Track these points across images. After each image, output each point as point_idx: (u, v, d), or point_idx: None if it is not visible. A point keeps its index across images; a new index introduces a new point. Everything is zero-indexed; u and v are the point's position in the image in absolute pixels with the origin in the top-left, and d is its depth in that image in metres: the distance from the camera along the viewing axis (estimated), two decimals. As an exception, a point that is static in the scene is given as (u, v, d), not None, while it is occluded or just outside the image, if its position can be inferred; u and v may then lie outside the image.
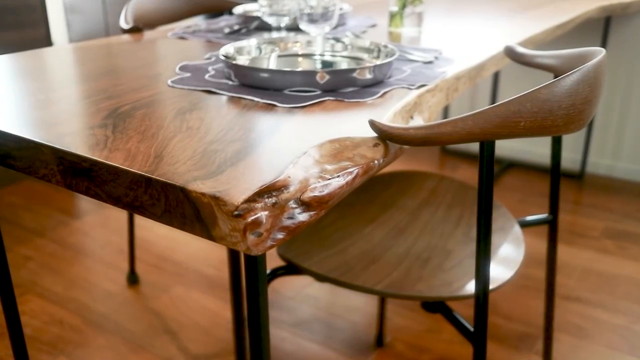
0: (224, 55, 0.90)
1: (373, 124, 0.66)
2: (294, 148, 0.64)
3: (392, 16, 1.31)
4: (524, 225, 1.06)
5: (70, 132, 0.68)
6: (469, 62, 1.04)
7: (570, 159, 2.44)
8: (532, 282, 1.69)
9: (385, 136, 0.66)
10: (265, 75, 0.83)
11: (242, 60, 0.90)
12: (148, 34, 1.31)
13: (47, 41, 2.31)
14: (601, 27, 2.27)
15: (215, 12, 1.91)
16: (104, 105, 0.78)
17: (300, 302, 1.61)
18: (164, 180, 0.55)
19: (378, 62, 0.98)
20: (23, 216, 2.08)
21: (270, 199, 0.54)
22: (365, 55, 1.02)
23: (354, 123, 0.73)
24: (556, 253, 1.11)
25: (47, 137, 0.66)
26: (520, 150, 2.52)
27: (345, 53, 1.04)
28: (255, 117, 0.74)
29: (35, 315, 1.54)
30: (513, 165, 2.49)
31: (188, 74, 0.93)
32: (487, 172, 0.70)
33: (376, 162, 0.66)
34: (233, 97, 0.82)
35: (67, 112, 0.75)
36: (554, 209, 1.08)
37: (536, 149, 2.50)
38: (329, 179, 0.59)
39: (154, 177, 0.56)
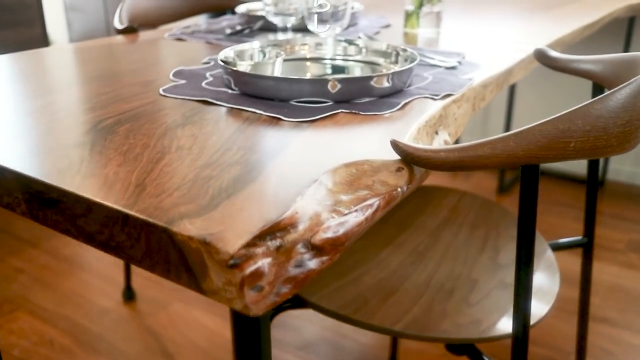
0: (222, 61, 0.80)
1: (396, 146, 0.56)
2: (303, 173, 0.53)
3: (408, 16, 1.20)
4: (556, 248, 0.96)
5: (40, 151, 0.58)
6: (496, 67, 0.93)
7: (585, 164, 2.32)
8: (557, 303, 1.58)
9: (410, 160, 0.56)
10: (269, 83, 0.73)
11: (243, 66, 0.80)
12: (144, 35, 1.21)
13: (43, 40, 2.21)
14: (624, 27, 2.16)
15: (217, 11, 1.82)
16: (85, 118, 0.68)
17: (305, 321, 1.51)
18: (144, 218, 0.45)
19: (396, 68, 0.88)
20: (17, 225, 1.98)
21: (273, 241, 0.44)
22: (381, 60, 0.91)
23: (371, 140, 0.63)
24: (591, 279, 1.01)
25: (12, 159, 0.56)
26: (536, 156, 2.41)
27: (359, 57, 0.94)
28: (258, 133, 0.64)
29: (24, 335, 1.44)
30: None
31: (183, 81, 0.83)
32: (529, 200, 0.60)
33: (399, 189, 0.55)
34: (232, 108, 0.72)
35: (40, 126, 0.65)
36: (589, 230, 0.97)
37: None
38: (345, 214, 0.49)
39: (132, 213, 0.46)
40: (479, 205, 1.04)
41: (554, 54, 0.94)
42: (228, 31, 1.16)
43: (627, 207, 2.09)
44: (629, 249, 1.82)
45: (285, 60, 0.93)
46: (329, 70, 0.92)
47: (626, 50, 2.09)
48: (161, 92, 0.78)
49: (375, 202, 0.52)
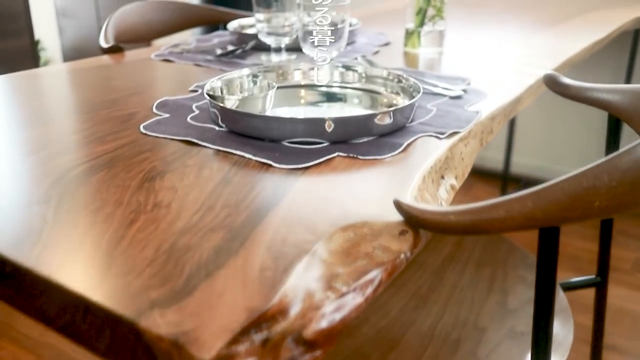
0: (209, 94, 0.74)
1: (399, 207, 0.50)
2: (294, 240, 0.47)
3: (409, 35, 1.14)
4: (568, 288, 0.89)
5: (-1, 212, 0.52)
6: (503, 95, 0.87)
7: (593, 178, 2.26)
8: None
9: (416, 224, 0.50)
10: (259, 123, 0.67)
11: (232, 101, 0.74)
12: (129, 55, 1.15)
13: (32, 51, 2.14)
14: (629, 40, 2.10)
15: (209, 25, 1.75)
16: (54, 164, 0.62)
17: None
18: (107, 307, 0.39)
19: (398, 98, 0.82)
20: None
21: (259, 334, 0.38)
22: (382, 89, 0.85)
23: (371, 192, 0.56)
24: (604, 318, 0.95)
25: (-35, 223, 0.50)
26: (537, 168, 2.35)
27: (357, 85, 0.88)
28: (245, 185, 0.57)
29: (6, 366, 1.38)
30: (530, 185, 2.31)
31: (166, 115, 0.76)
32: (549, 266, 0.53)
33: (403, 256, 0.49)
34: (219, 151, 0.65)
35: (2, 177, 0.59)
36: (603, 269, 0.91)
37: (557, 167, 2.33)
38: (343, 293, 0.42)
39: (94, 300, 0.40)
40: (484, 240, 0.98)
41: (565, 80, 0.88)
42: (218, 51, 1.10)
43: (632, 224, 2.03)
44: (636, 269, 1.76)
45: (278, 87, 0.87)
46: (325, 99, 0.86)
47: (631, 63, 2.03)
48: (142, 129, 0.71)
49: (376, 275, 0.45)
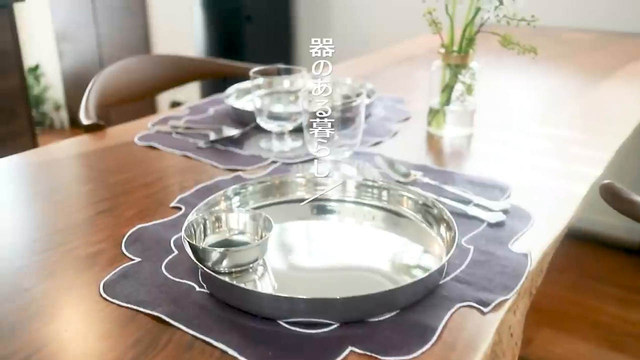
0: (187, 239, 0.58)
1: None
2: None
3: (433, 113, 0.98)
4: None
5: None
6: (553, 217, 0.72)
7: (624, 227, 2.08)
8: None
9: None
10: (248, 297, 0.52)
11: (215, 253, 0.58)
12: (112, 135, 1.00)
13: (21, 92, 2.00)
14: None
15: (208, 79, 1.61)
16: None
17: None
18: None
19: (432, 233, 0.66)
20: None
21: None
22: (409, 210, 0.69)
23: None
24: None
25: None
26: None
27: (376, 202, 0.72)
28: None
29: None
30: (567, 236, 2.14)
31: (137, 260, 0.61)
32: None
33: None
34: (196, 339, 0.50)
35: None
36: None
37: (591, 216, 2.15)
38: None
39: None
40: None
41: (629, 196, 0.72)
42: (212, 136, 0.95)
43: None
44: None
45: (273, 204, 0.72)
46: (335, 216, 0.70)
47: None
48: (101, 291, 0.56)
49: None
